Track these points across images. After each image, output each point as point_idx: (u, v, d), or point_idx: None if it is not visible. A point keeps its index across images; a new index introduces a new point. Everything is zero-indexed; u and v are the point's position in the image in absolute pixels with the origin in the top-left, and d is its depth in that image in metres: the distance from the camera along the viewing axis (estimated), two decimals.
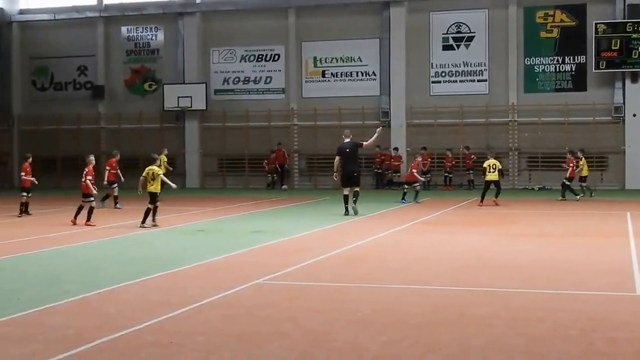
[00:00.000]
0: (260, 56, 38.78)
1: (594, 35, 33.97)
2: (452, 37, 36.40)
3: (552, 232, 18.38)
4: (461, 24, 36.27)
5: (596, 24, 33.99)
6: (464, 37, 36.25)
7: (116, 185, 25.99)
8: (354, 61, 37.51)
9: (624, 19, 34.10)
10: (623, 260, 13.72)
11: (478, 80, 36.11)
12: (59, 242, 16.96)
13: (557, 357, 7.67)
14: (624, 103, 34.30)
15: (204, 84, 38.64)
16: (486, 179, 26.10)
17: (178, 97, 38.36)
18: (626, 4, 34.25)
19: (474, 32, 36.16)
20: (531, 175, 35.40)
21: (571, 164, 28.11)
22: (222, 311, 9.81)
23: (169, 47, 39.89)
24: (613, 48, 33.75)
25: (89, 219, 20.51)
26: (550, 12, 35.24)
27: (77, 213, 20.66)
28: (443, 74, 36.47)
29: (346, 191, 23.00)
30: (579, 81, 34.96)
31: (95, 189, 21.01)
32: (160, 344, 8.22)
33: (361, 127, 34.11)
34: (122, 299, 10.68)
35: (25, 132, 41.48)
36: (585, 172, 28.71)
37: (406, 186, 27.46)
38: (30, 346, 8.14)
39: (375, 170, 36.13)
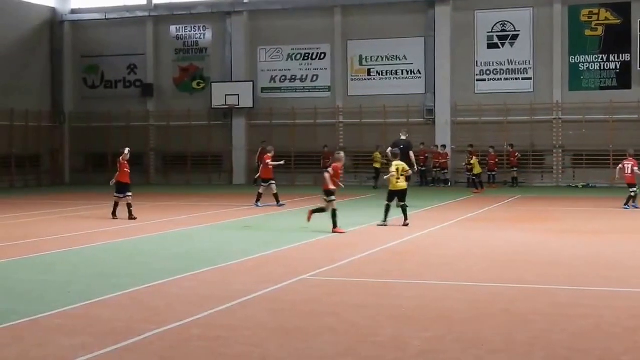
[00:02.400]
0: (306, 55, 38.97)
1: (638, 33, 33.64)
2: (497, 36, 36.24)
3: (596, 229, 18.28)
4: (506, 23, 36.10)
5: None
6: (509, 35, 36.07)
7: (273, 182, 24.81)
8: (399, 59, 37.51)
9: None
10: None
11: (523, 79, 35.91)
12: (109, 237, 17.22)
13: (600, 354, 7.69)
14: None
15: (251, 82, 38.92)
16: None
17: (226, 95, 38.68)
18: None
19: (519, 31, 35.96)
20: (575, 172, 35.16)
21: None
22: (269, 305, 9.94)
23: (216, 45, 40.22)
24: None
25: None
26: (595, 11, 34.94)
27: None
28: (488, 72, 36.34)
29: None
30: (623, 79, 34.61)
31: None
32: (207, 337, 8.38)
33: (406, 124, 34.08)
34: (171, 292, 10.85)
35: (76, 129, 42.13)
36: None
37: (632, 190, 23.58)
38: (80, 338, 8.31)
39: (420, 167, 36.04)
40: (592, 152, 34.58)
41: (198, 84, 40.58)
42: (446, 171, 35.99)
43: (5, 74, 38.51)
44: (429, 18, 36.92)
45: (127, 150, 21.76)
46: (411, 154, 24.11)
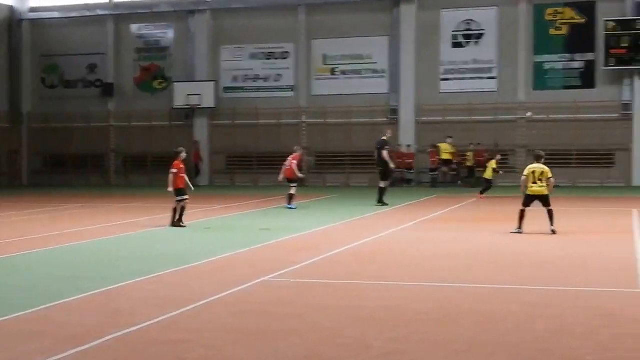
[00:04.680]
0: (269, 54, 38.82)
1: (603, 33, 33.92)
2: (462, 35, 36.36)
3: (559, 230, 18.32)
4: (471, 21, 36.25)
5: (605, 21, 33.90)
6: (474, 34, 36.23)
7: (296, 184, 24.37)
8: (364, 59, 37.50)
9: (634, 16, 34.00)
10: (629, 257, 13.72)
11: (487, 78, 36.08)
12: (71, 239, 17.01)
13: (564, 353, 7.70)
14: (632, 100, 34.25)
15: (214, 82, 38.71)
16: None
17: (187, 95, 38.39)
18: (635, 2, 34.17)
19: (484, 30, 36.12)
20: None
21: None
22: (231, 308, 9.85)
23: (179, 45, 39.93)
24: (622, 45, 33.65)
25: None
26: (560, 10, 35.19)
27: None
28: (452, 72, 36.44)
29: (382, 184, 24.93)
30: (588, 78, 34.89)
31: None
32: (169, 340, 8.27)
33: (370, 124, 34.11)
34: (133, 295, 10.75)
35: (35, 130, 41.63)
36: None
37: None
38: (40, 343, 8.17)
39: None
40: (556, 151, 34.71)
41: (159, 84, 40.26)
42: (412, 171, 36.02)
43: None
44: (394, 17, 36.95)
45: (181, 150, 21.13)
46: (384, 153, 24.80)
